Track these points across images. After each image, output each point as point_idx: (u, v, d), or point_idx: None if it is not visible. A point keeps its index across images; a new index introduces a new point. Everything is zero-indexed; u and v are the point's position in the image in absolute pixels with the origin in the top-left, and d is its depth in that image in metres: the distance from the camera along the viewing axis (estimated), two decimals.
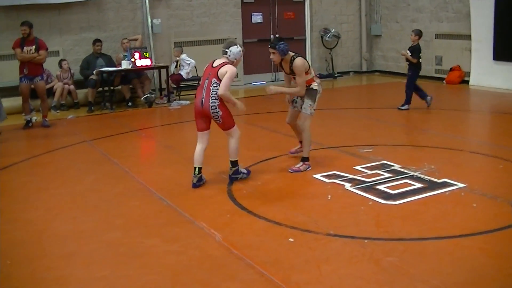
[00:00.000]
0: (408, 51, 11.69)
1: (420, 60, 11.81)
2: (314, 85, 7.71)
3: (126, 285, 4.72)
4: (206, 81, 7.13)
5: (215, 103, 7.01)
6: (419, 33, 11.81)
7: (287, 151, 8.51)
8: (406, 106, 11.65)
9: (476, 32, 14.36)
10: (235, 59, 7.19)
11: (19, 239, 5.77)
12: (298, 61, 7.50)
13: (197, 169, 7.21)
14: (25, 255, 5.37)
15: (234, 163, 7.33)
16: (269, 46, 7.57)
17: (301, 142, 8.20)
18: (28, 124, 11.29)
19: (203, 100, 7.10)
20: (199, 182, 7.22)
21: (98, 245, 5.55)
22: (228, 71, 7.00)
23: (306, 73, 7.62)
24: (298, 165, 7.77)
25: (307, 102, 7.66)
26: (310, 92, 7.68)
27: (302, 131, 7.78)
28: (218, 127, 7.28)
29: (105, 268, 5.05)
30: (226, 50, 7.18)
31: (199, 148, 7.29)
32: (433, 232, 5.51)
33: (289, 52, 7.56)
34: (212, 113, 7.05)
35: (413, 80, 11.72)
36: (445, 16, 15.54)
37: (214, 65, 7.17)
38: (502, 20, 13.61)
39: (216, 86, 7.00)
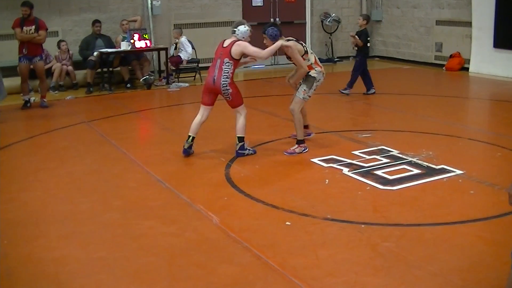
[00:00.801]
0: (356, 36, 11.70)
1: (369, 45, 11.85)
2: (313, 72, 7.75)
3: (123, 266, 4.73)
4: (218, 60, 7.51)
5: (226, 81, 7.43)
6: (366, 18, 11.85)
7: (286, 135, 8.54)
8: (347, 90, 11.71)
9: (477, 20, 14.31)
10: (243, 37, 7.53)
11: (17, 219, 5.77)
12: (289, 43, 7.61)
13: (190, 137, 7.67)
14: (23, 235, 5.38)
15: (241, 139, 7.61)
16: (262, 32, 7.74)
17: (305, 126, 8.26)
18: (26, 105, 11.26)
19: (215, 78, 7.48)
20: (190, 149, 7.72)
21: (96, 226, 5.56)
22: (241, 46, 7.42)
23: (302, 58, 7.68)
24: (293, 148, 7.82)
25: (302, 87, 7.75)
26: (307, 78, 7.74)
27: (292, 114, 7.82)
28: (228, 104, 7.72)
29: (103, 249, 5.06)
30: (235, 29, 7.55)
31: (198, 119, 7.72)
32: (430, 218, 5.53)
33: (283, 36, 7.65)
34: (223, 90, 7.48)
35: (362, 65, 11.77)
36: (446, 3, 15.48)
37: (225, 45, 7.54)
38: (503, 8, 13.55)
39: (228, 66, 7.43)
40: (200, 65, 14.16)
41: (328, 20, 17.09)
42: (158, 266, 4.71)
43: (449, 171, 6.81)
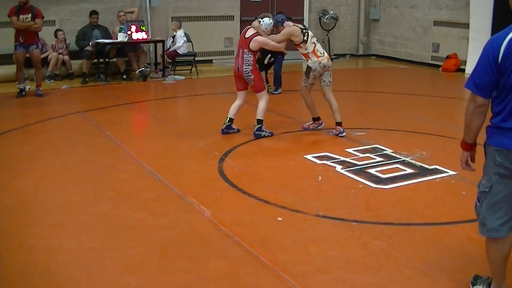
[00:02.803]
0: None
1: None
2: (309, 62, 8.33)
3: (114, 257, 4.73)
4: (240, 50, 8.27)
5: (248, 68, 8.17)
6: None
7: (280, 131, 8.59)
8: (279, 90, 11.85)
9: (474, 21, 14.32)
10: (266, 29, 8.24)
11: (9, 207, 5.77)
12: (286, 28, 8.39)
13: (228, 118, 8.44)
14: (14, 224, 5.38)
15: (259, 121, 8.28)
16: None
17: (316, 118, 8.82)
18: (21, 93, 11.22)
19: (239, 66, 8.25)
20: (227, 129, 8.44)
21: (88, 217, 5.56)
22: (260, 43, 8.19)
23: (298, 45, 8.34)
24: (308, 123, 8.61)
25: (303, 75, 8.50)
26: (306, 68, 8.45)
27: (302, 98, 8.63)
28: (251, 89, 8.42)
29: (94, 239, 5.07)
30: (260, 20, 8.24)
31: (236, 103, 8.50)
32: (422, 218, 5.55)
33: (288, 22, 8.49)
34: (246, 77, 8.22)
35: (281, 63, 11.90)
36: (444, 4, 15.48)
37: (246, 35, 8.25)
38: (501, 10, 13.53)
39: (249, 55, 8.15)
40: (196, 58, 14.14)
41: (326, 17, 17.08)
42: (149, 258, 4.72)
43: (442, 172, 6.82)
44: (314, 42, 8.34)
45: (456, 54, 14.99)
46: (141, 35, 13.25)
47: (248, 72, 8.15)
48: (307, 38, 8.25)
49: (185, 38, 13.67)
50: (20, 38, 10.83)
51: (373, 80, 15.03)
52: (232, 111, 8.43)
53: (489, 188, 3.77)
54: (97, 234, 5.20)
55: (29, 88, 11.54)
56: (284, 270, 4.49)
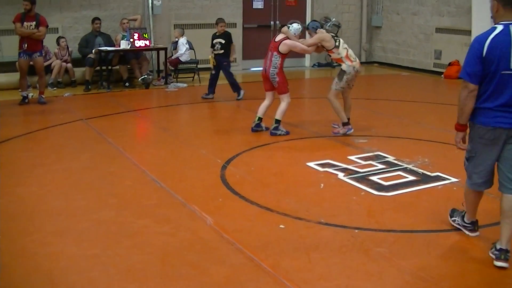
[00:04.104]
0: (221, 40, 11.77)
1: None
2: (343, 66, 8.69)
3: (116, 264, 4.74)
4: (269, 53, 8.75)
5: (274, 71, 8.66)
6: (225, 21, 12.10)
7: (282, 138, 8.59)
8: (241, 95, 11.89)
9: (476, 28, 14.28)
10: (295, 34, 8.75)
11: (11, 213, 5.78)
12: (318, 33, 8.84)
13: (257, 117, 8.92)
14: (17, 230, 5.39)
15: (277, 121, 8.73)
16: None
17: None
18: (24, 100, 11.24)
19: (266, 68, 8.77)
20: (256, 127, 8.90)
21: (90, 223, 5.57)
22: (289, 46, 8.64)
23: (331, 51, 8.78)
24: (338, 128, 8.86)
25: (335, 79, 8.75)
26: (339, 71, 8.77)
27: (330, 103, 8.76)
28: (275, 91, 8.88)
29: (96, 246, 5.07)
30: (289, 25, 8.75)
31: (264, 103, 8.96)
32: (424, 225, 5.55)
33: (321, 29, 8.96)
34: (271, 78, 8.71)
35: (229, 70, 11.93)
36: (446, 11, 15.51)
37: (276, 39, 8.79)
38: None
39: (277, 58, 8.63)
40: (199, 66, 14.14)
41: (328, 24, 16.98)
42: (151, 264, 4.73)
43: (444, 179, 6.82)
44: (346, 48, 8.80)
45: (458, 61, 14.96)
46: (144, 43, 13.28)
47: (274, 74, 8.62)
48: (339, 44, 8.70)
49: (187, 46, 13.69)
50: (24, 45, 10.86)
51: (376, 87, 15.03)
52: (261, 111, 8.90)
53: (475, 154, 4.83)
54: (99, 240, 5.21)
55: (32, 96, 11.56)
56: (286, 277, 4.49)
